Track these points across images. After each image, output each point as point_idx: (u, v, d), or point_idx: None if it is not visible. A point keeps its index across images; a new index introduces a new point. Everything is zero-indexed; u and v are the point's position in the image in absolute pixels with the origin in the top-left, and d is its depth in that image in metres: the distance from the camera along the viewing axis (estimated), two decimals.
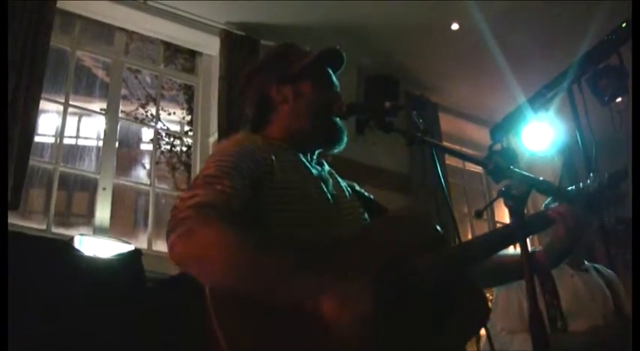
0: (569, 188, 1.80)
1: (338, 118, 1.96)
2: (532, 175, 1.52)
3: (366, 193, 2.13)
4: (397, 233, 1.77)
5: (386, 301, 1.57)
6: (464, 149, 6.71)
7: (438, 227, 1.88)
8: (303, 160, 1.93)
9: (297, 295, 1.47)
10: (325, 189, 1.88)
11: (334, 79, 2.06)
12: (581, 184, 1.77)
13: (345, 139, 1.98)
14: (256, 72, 2.11)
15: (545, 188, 1.56)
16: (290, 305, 1.47)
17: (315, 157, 2.01)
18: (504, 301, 3.14)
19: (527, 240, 1.65)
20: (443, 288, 1.66)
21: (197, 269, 1.53)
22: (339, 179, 2.05)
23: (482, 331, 1.94)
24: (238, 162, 1.71)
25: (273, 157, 1.80)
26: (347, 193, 1.99)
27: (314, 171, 1.92)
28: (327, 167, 2.04)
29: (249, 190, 1.67)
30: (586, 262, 3.30)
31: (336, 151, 2.00)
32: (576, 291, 3.09)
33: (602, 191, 1.72)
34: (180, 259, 1.54)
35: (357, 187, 2.14)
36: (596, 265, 3.36)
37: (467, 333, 1.74)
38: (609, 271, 3.34)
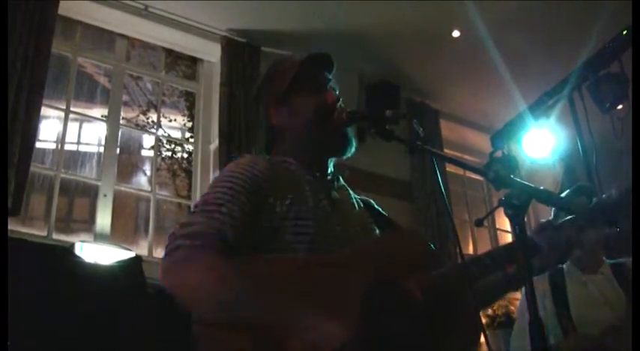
0: (593, 201, 1.79)
1: (340, 125, 1.95)
2: (532, 185, 1.52)
3: (382, 210, 2.13)
4: (392, 253, 1.76)
5: (375, 322, 1.57)
6: (464, 156, 6.74)
7: (433, 246, 1.87)
8: (311, 178, 1.92)
9: (283, 320, 1.47)
10: (330, 209, 1.86)
11: (327, 79, 2.05)
12: (596, 194, 1.77)
13: (352, 142, 1.96)
14: (259, 99, 2.13)
15: (545, 197, 1.55)
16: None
17: (329, 171, 2.00)
18: (521, 328, 3.12)
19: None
20: (436, 308, 1.66)
21: (182, 299, 1.56)
22: (352, 195, 2.04)
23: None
24: (238, 188, 1.72)
25: (277, 179, 1.81)
26: (356, 211, 1.98)
27: (322, 189, 1.90)
28: (340, 182, 2.04)
29: (247, 215, 1.68)
30: (606, 261, 3.23)
31: (346, 155, 1.99)
32: (589, 298, 3.07)
33: (620, 204, 1.72)
34: (169, 286, 1.57)
35: (373, 204, 2.12)
36: (619, 261, 3.28)
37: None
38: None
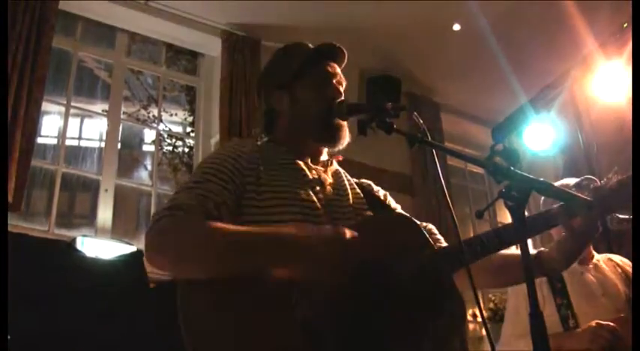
0: (591, 186, 1.80)
1: (337, 117, 1.96)
2: (532, 176, 1.52)
3: (381, 192, 2.14)
4: (380, 236, 1.77)
5: (362, 304, 1.58)
6: (465, 149, 6.72)
7: (424, 231, 1.88)
8: (301, 163, 1.93)
9: (274, 259, 1.53)
10: (318, 193, 1.87)
11: (333, 71, 2.06)
12: (597, 182, 1.78)
13: (344, 136, 1.98)
14: (262, 81, 2.16)
15: (545, 189, 1.56)
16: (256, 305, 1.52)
17: (323, 158, 2.02)
18: (514, 306, 3.12)
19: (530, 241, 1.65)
20: (422, 290, 1.68)
21: (170, 264, 1.59)
22: (348, 180, 2.05)
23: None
24: (220, 167, 1.76)
25: (264, 162, 1.84)
26: (349, 196, 1.97)
27: (311, 175, 1.92)
28: (333, 168, 2.04)
29: (228, 193, 1.71)
30: (595, 254, 3.24)
31: (337, 148, 2.01)
32: (587, 289, 3.05)
33: (621, 190, 1.72)
34: (153, 256, 1.60)
35: (371, 187, 2.14)
36: (610, 256, 3.29)
37: (446, 335, 1.73)
38: (624, 259, 3.27)
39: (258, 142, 1.97)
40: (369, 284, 1.63)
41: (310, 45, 2.10)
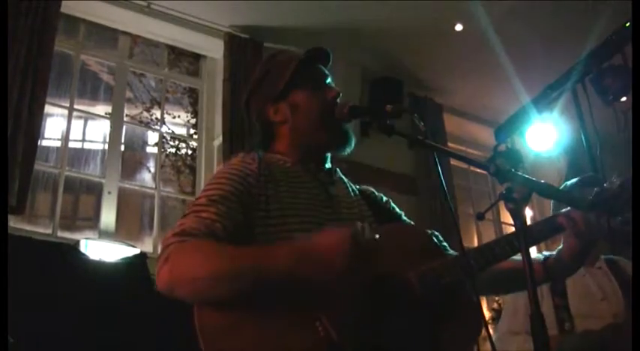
0: (595, 189, 1.80)
1: (339, 120, 1.95)
2: (533, 178, 1.52)
3: (384, 199, 2.12)
4: (392, 245, 1.75)
5: (375, 313, 1.58)
6: (469, 150, 6.73)
7: (435, 239, 1.88)
8: (307, 173, 1.91)
9: (286, 265, 1.51)
10: (327, 204, 1.86)
11: (325, 73, 2.04)
12: (602, 185, 1.77)
13: (352, 139, 1.96)
14: (252, 95, 2.11)
15: (546, 191, 1.56)
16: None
17: (325, 165, 2.00)
18: (512, 304, 3.10)
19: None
20: (437, 299, 1.67)
21: (182, 290, 1.56)
22: (351, 187, 2.03)
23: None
24: (228, 188, 1.73)
25: (271, 177, 1.82)
26: (355, 205, 1.96)
27: (318, 184, 1.90)
28: (338, 175, 2.02)
29: (237, 215, 1.69)
30: (602, 256, 3.21)
31: (345, 152, 1.98)
32: (587, 291, 3.02)
33: (623, 193, 1.72)
34: (164, 284, 1.57)
35: (374, 194, 2.12)
36: (614, 258, 3.26)
37: (461, 344, 1.72)
38: (629, 263, 3.22)
39: (261, 155, 1.93)
40: (386, 296, 1.63)
41: (293, 52, 2.07)
